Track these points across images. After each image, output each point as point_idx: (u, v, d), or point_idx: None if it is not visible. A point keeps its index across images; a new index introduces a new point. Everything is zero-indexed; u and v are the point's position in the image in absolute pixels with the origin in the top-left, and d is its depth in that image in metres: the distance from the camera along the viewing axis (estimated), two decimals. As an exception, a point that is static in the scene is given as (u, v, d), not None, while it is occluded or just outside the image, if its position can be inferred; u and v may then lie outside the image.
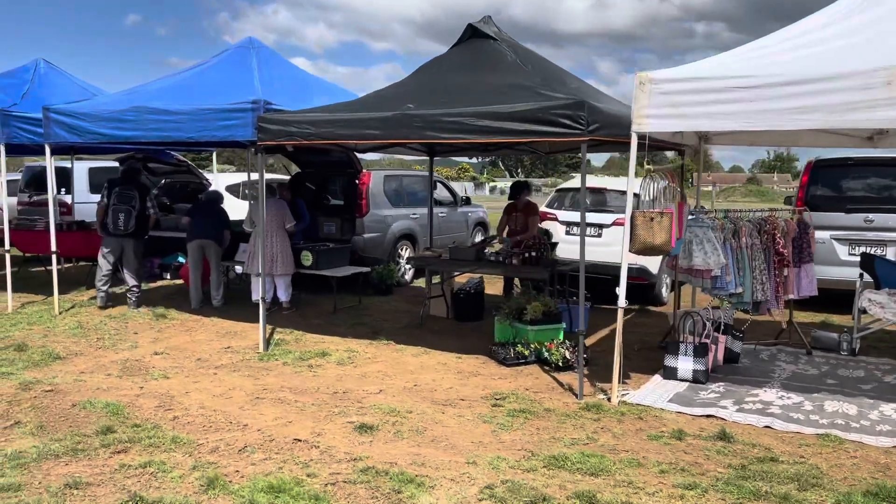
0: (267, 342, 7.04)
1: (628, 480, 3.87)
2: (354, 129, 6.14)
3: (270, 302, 8.79)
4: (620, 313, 5.27)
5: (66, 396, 5.43)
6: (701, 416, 5.01)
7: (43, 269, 12.04)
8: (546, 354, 6.35)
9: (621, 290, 5.25)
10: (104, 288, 9.16)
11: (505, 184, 65.76)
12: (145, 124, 7.45)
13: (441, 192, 12.90)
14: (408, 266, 11.34)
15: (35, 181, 14.83)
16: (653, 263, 9.28)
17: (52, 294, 8.67)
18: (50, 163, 8.64)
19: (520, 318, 6.81)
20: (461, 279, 9.04)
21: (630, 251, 5.36)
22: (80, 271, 11.83)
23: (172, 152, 11.90)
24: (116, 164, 13.77)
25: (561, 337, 6.79)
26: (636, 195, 9.75)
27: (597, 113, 5.33)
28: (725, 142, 7.74)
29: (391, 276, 10.34)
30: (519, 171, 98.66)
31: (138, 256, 9.01)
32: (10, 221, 11.58)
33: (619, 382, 5.32)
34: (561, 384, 5.82)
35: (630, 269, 9.05)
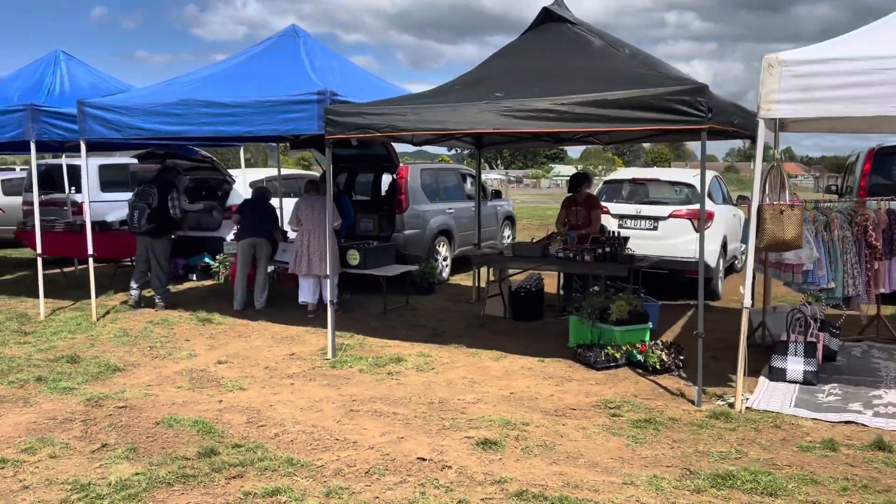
0: (332, 348, 6.63)
1: (813, 500, 3.54)
2: (439, 120, 5.73)
3: (316, 304, 8.39)
4: (745, 314, 4.93)
5: (143, 413, 5.01)
6: (839, 422, 4.69)
7: (59, 271, 11.50)
8: (639, 357, 6.01)
9: (746, 289, 4.91)
10: (135, 286, 8.74)
11: (485, 176, 65.16)
12: (196, 118, 7.00)
13: (471, 185, 12.51)
14: (445, 263, 10.96)
15: (41, 180, 13.98)
16: (711, 257, 8.98)
17: (81, 299, 8.20)
18: (85, 160, 8.11)
19: (603, 318, 6.46)
20: (518, 277, 8.68)
21: (758, 247, 5.02)
22: (102, 274, 11.31)
23: (196, 148, 11.39)
24: (132, 160, 13.27)
25: (647, 337, 6.46)
26: (689, 186, 9.55)
27: (713, 99, 4.98)
28: (802, 129, 7.43)
29: (433, 275, 9.97)
30: (498, 162, 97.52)
31: (158, 257, 8.58)
32: (24, 223, 11.11)
33: (742, 388, 4.99)
34: (668, 390, 5.49)
35: (688, 263, 8.83)
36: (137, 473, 3.92)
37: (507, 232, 13.74)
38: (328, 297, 8.46)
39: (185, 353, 6.63)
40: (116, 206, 12.60)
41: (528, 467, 4.01)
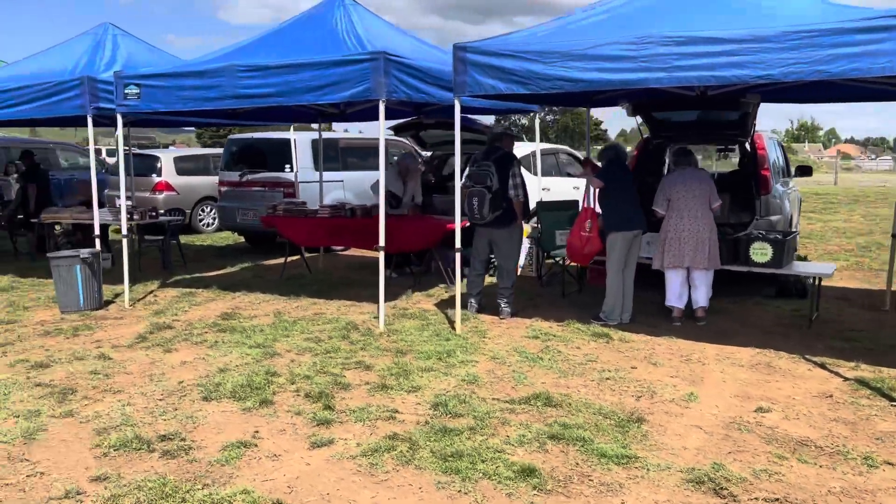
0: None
1: None
2: None
3: (683, 308, 6.46)
4: None
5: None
6: None
7: (302, 261, 9.85)
8: None
9: None
10: (475, 292, 6.92)
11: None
12: (662, 61, 5.02)
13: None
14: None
15: (242, 157, 12.18)
16: None
17: (374, 299, 6.38)
18: (458, 127, 6.17)
19: None
20: None
21: None
22: (338, 266, 9.61)
23: (474, 117, 9.44)
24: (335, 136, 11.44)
25: None
26: None
27: None
28: None
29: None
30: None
31: (507, 252, 6.80)
32: (274, 207, 9.33)
33: None
34: None
35: None
36: None
37: (795, 217, 11.44)
38: (702, 299, 6.49)
39: (677, 392, 4.69)
40: (331, 188, 10.87)
41: None
